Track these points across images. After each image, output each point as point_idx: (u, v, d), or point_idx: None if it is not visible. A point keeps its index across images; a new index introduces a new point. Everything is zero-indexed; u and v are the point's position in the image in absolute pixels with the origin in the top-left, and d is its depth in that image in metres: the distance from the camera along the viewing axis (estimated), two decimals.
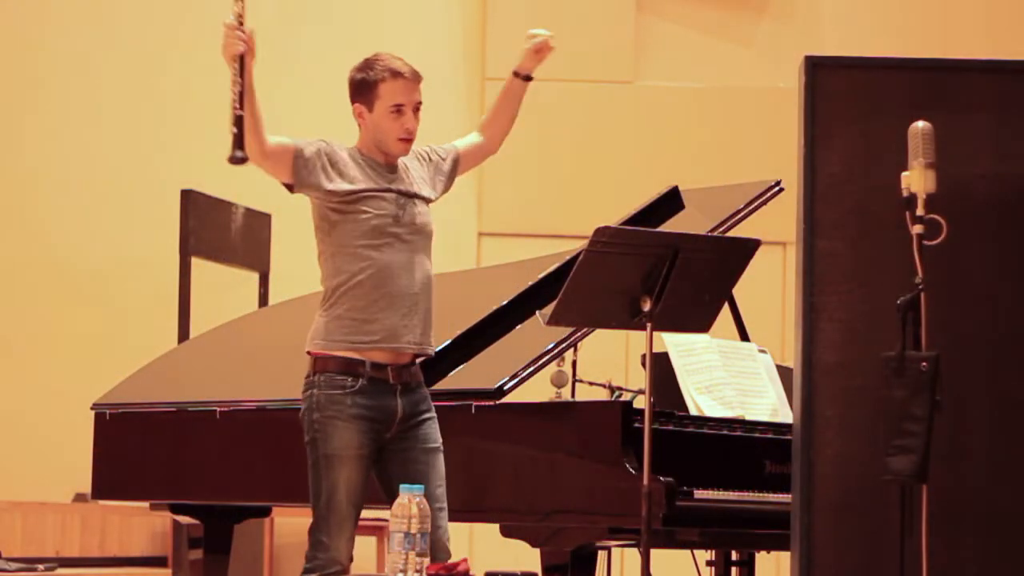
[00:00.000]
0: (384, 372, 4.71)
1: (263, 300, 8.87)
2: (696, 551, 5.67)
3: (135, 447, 6.28)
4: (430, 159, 4.93)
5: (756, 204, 5.86)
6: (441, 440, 4.80)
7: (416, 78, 4.78)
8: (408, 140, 4.77)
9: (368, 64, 4.79)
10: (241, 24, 4.54)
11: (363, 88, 4.78)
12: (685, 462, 5.00)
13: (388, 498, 4.73)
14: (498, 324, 5.42)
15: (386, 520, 4.50)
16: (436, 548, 4.53)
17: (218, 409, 5.94)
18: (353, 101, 4.81)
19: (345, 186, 4.72)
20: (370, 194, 4.73)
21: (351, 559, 4.68)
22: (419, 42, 9.11)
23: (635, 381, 5.90)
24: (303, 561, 4.72)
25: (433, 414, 4.81)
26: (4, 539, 8.20)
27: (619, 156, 9.61)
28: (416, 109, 4.77)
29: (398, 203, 4.75)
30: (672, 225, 5.78)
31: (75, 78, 9.50)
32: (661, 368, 5.34)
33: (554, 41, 4.93)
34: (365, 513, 4.78)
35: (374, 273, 4.70)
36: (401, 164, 4.84)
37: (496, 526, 5.12)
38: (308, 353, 4.77)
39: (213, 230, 8.55)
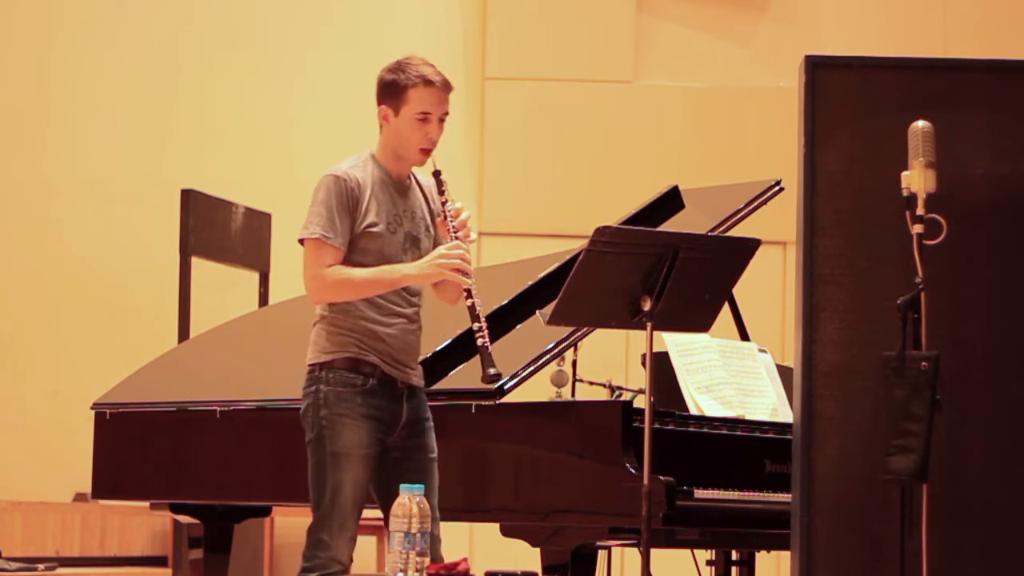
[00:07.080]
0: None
1: (263, 300, 8.87)
2: (696, 551, 5.67)
3: (135, 447, 6.27)
4: (429, 205, 4.85)
5: (756, 203, 5.86)
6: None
7: (447, 88, 4.70)
8: (428, 150, 4.69)
9: (400, 67, 4.70)
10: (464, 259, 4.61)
11: (392, 90, 4.69)
12: (685, 462, 5.00)
13: (381, 502, 4.72)
14: (498, 324, 5.41)
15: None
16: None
17: (218, 409, 5.94)
18: (380, 102, 4.72)
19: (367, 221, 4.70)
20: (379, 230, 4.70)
21: (352, 560, 4.64)
22: (419, 42, 9.09)
23: (635, 381, 5.90)
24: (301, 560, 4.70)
25: (431, 423, 4.80)
26: (4, 539, 8.19)
27: (619, 156, 9.59)
28: (442, 119, 4.70)
29: (403, 247, 4.73)
30: (672, 225, 5.77)
31: (76, 78, 9.50)
32: (661, 368, 5.34)
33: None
34: (365, 513, 4.77)
35: None
36: (415, 187, 4.80)
37: (496, 526, 5.12)
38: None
39: (213, 230, 8.55)
